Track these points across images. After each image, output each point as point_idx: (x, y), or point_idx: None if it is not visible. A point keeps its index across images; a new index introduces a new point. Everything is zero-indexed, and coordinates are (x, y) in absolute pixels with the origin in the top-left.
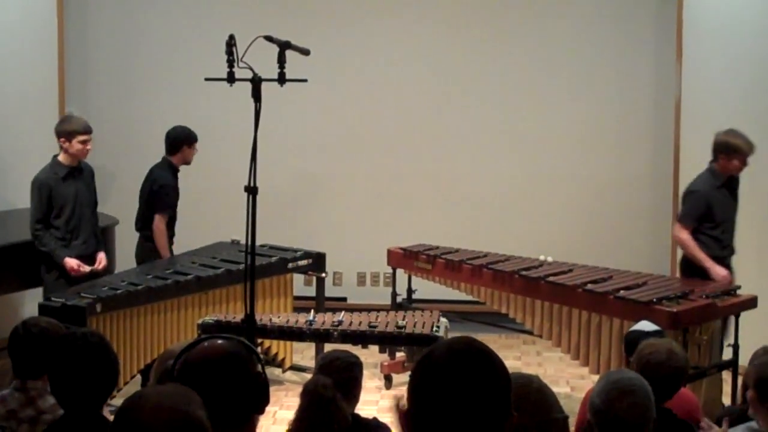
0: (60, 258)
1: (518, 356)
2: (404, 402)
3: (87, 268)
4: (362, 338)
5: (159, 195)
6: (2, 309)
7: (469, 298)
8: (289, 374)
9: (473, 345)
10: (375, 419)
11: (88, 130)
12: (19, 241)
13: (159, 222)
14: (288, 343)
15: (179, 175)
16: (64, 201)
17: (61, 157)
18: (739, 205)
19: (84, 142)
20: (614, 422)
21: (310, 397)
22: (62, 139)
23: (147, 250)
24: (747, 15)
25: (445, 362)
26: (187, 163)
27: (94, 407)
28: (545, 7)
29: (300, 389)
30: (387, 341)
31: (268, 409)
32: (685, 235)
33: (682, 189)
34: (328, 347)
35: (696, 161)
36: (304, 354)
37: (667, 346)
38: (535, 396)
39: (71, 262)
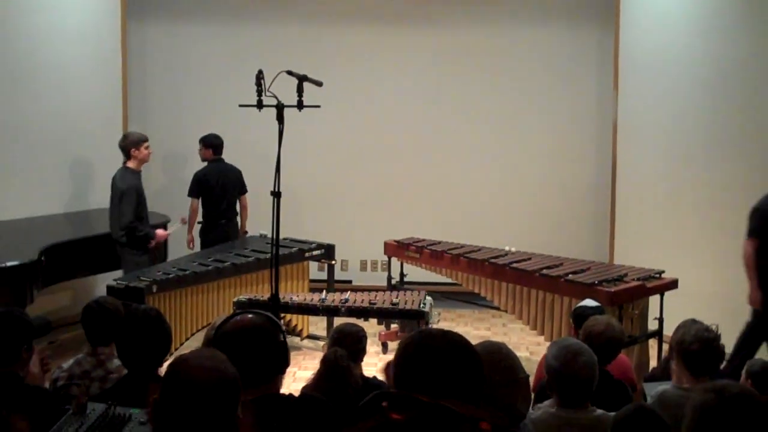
0: (153, 234)
1: (488, 327)
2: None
3: (166, 233)
4: (364, 313)
5: (243, 180)
6: (79, 289)
7: (449, 280)
8: (306, 342)
9: (447, 333)
10: (375, 377)
11: (147, 138)
12: (101, 233)
13: (247, 200)
14: (305, 316)
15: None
16: (145, 198)
17: (132, 165)
18: (671, 203)
19: (148, 147)
20: (570, 379)
21: (329, 364)
22: (133, 149)
23: (234, 228)
24: (674, 51)
25: (423, 342)
26: None
27: (151, 368)
28: (517, 52)
29: (314, 354)
30: (384, 315)
31: (288, 369)
32: (750, 249)
33: (619, 196)
34: (337, 320)
35: (629, 173)
36: (318, 325)
37: (606, 321)
38: (505, 361)
39: (161, 232)
